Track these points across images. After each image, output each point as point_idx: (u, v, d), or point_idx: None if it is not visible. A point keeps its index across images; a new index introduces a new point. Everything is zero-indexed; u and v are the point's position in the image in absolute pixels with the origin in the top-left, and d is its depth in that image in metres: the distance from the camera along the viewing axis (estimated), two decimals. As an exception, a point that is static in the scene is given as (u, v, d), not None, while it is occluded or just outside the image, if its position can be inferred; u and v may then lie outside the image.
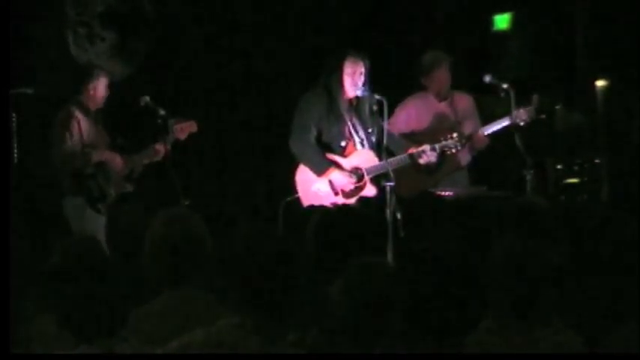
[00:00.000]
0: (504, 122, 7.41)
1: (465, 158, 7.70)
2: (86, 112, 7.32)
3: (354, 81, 7.06)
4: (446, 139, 7.23)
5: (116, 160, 7.30)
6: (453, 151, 7.27)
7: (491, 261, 3.53)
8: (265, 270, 3.08)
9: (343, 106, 7.12)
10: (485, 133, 7.51)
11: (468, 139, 7.52)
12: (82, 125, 7.27)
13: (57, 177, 7.35)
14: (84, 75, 7.42)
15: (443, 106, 7.72)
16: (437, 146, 7.21)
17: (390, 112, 7.12)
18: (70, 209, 7.23)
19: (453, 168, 7.66)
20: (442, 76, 7.66)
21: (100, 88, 7.35)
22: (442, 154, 7.28)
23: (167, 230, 3.74)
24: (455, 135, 7.24)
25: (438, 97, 7.72)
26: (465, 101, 7.79)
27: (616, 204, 8.03)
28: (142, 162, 7.39)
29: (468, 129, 7.62)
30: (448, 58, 7.67)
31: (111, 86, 7.45)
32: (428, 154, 7.20)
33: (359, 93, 7.09)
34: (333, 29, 9.00)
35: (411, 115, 7.70)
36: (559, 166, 8.44)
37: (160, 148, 7.26)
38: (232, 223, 8.09)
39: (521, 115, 7.36)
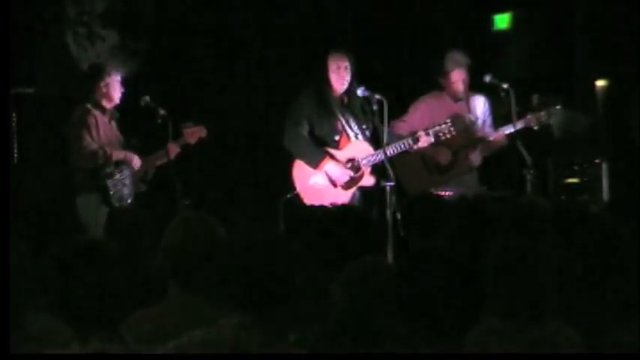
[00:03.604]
0: (520, 125, 7.40)
1: (477, 159, 7.72)
2: (102, 110, 7.29)
3: (339, 76, 7.12)
4: (439, 125, 7.27)
5: (134, 161, 7.29)
6: (447, 136, 7.30)
7: (491, 260, 3.53)
8: (265, 270, 3.08)
9: (334, 102, 7.18)
10: (506, 133, 7.51)
11: (481, 141, 7.55)
12: (99, 124, 7.25)
13: (70, 175, 7.32)
14: (95, 73, 7.38)
15: (458, 107, 7.72)
16: (430, 131, 7.26)
17: (390, 112, 7.13)
18: (84, 207, 7.19)
19: (465, 169, 7.68)
20: (458, 77, 7.67)
21: (113, 85, 7.30)
22: (437, 139, 7.30)
23: (185, 232, 3.76)
24: (448, 120, 7.28)
25: (454, 97, 7.73)
26: (480, 103, 7.80)
27: (616, 204, 8.02)
28: (154, 163, 7.39)
29: (482, 131, 7.65)
30: (467, 60, 7.67)
31: (124, 84, 7.40)
32: (423, 140, 7.23)
33: (359, 92, 7.13)
34: (333, 30, 9.00)
35: (426, 114, 7.69)
36: (559, 166, 8.44)
37: (174, 147, 7.26)
38: (232, 223, 8.09)
39: (532, 120, 7.39)
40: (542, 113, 7.46)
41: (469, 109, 7.74)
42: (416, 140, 7.23)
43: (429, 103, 7.75)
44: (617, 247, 4.05)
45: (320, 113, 7.16)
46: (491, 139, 7.58)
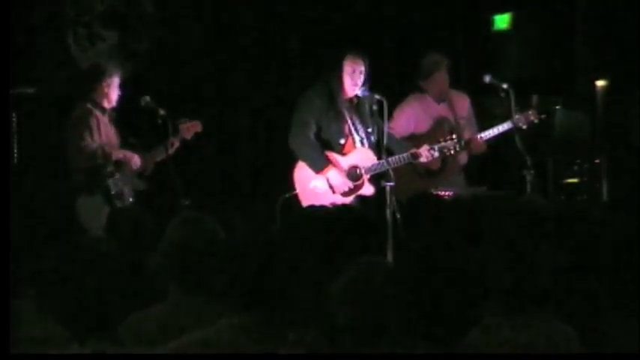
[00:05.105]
0: (503, 127, 7.42)
1: (464, 159, 7.71)
2: (102, 110, 7.30)
3: (353, 80, 7.07)
4: (445, 140, 7.24)
5: (134, 160, 7.31)
6: (452, 152, 7.27)
7: (490, 260, 3.53)
8: (265, 269, 3.08)
9: (343, 104, 7.13)
10: (484, 138, 7.51)
11: (467, 144, 7.52)
12: (100, 124, 7.26)
13: (70, 175, 7.32)
14: (97, 73, 7.38)
15: (442, 108, 7.71)
16: (436, 147, 7.23)
17: (390, 113, 7.12)
18: (85, 208, 7.19)
19: (455, 170, 7.66)
20: (441, 79, 7.64)
21: (113, 86, 7.32)
22: (441, 155, 7.29)
23: (185, 233, 3.77)
24: (454, 136, 7.26)
25: (435, 97, 7.71)
26: (462, 102, 7.78)
27: (615, 204, 8.03)
28: (154, 160, 7.40)
29: (466, 131, 7.63)
30: (446, 60, 7.66)
31: (122, 85, 7.41)
32: (427, 154, 7.21)
33: (359, 93, 7.11)
34: (333, 29, 9.00)
35: (410, 118, 7.67)
36: (559, 166, 8.45)
37: (175, 142, 7.28)
38: (231, 222, 8.10)
39: (521, 120, 7.37)
40: (529, 112, 7.45)
41: (453, 110, 7.72)
42: (419, 156, 7.20)
43: (413, 106, 7.72)
44: (617, 247, 4.05)
45: (329, 115, 7.12)
46: (479, 140, 7.55)
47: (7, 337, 3.30)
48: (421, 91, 7.72)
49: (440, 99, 7.70)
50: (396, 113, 7.60)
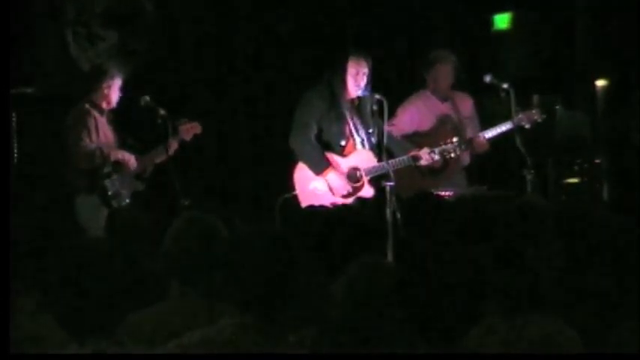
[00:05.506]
0: (506, 126, 7.41)
1: (466, 159, 7.70)
2: (100, 111, 7.31)
3: (357, 81, 7.06)
4: (446, 144, 7.23)
5: (131, 161, 7.32)
6: (452, 155, 7.26)
7: (490, 260, 3.54)
8: (265, 270, 3.08)
9: (345, 106, 7.11)
10: (487, 137, 7.51)
11: (468, 144, 7.51)
12: (98, 124, 7.27)
13: (68, 176, 7.32)
14: (98, 74, 7.38)
15: (445, 107, 7.71)
16: (436, 150, 7.21)
17: (390, 113, 7.11)
18: (83, 208, 7.20)
19: (456, 170, 7.66)
20: (444, 73, 7.64)
21: (114, 88, 7.32)
22: (442, 158, 7.28)
23: (187, 233, 3.77)
24: (455, 140, 7.25)
25: (438, 95, 7.71)
26: (466, 102, 7.79)
27: (615, 204, 8.03)
28: (153, 161, 7.41)
29: (469, 131, 7.62)
30: (453, 57, 7.66)
31: (123, 87, 7.41)
32: (427, 157, 7.20)
33: (360, 93, 7.10)
34: (333, 29, 9.00)
35: (414, 116, 7.67)
36: (559, 166, 8.44)
37: (172, 144, 7.28)
38: (231, 223, 8.08)
39: (524, 119, 7.37)
40: (533, 111, 7.45)
41: (457, 109, 7.72)
42: (419, 158, 7.18)
43: (416, 104, 7.72)
44: (617, 247, 4.05)
45: (331, 116, 7.10)
46: (481, 139, 7.54)
47: (7, 337, 3.29)
48: (424, 86, 7.73)
49: (443, 97, 7.70)
50: (399, 111, 7.61)
